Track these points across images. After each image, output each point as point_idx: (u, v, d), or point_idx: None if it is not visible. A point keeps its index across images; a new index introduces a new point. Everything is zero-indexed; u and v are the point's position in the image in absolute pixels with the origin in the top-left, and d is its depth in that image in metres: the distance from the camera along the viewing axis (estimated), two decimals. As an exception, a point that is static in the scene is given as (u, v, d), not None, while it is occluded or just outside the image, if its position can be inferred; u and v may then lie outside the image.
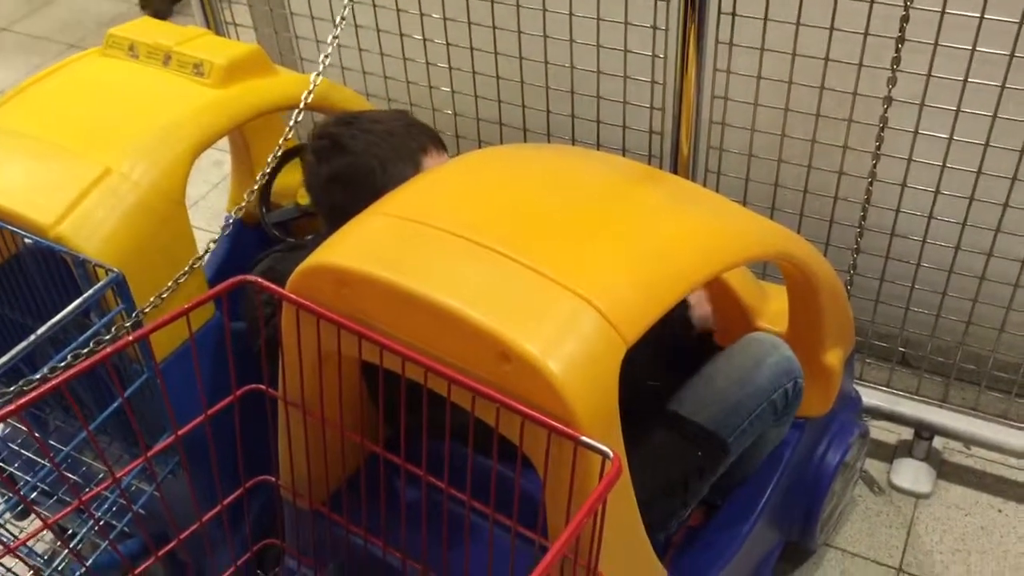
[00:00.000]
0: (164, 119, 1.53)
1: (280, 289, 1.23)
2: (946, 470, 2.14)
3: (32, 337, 1.26)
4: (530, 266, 1.15)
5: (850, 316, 1.71)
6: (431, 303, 1.12)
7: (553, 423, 1.04)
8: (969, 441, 2.10)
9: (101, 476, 1.59)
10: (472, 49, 2.17)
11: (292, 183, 2.00)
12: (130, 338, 1.12)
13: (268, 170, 1.68)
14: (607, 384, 1.10)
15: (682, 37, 1.82)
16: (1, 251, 1.61)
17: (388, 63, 2.32)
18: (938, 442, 2.15)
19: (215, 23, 2.36)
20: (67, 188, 1.42)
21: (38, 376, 1.28)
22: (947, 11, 1.67)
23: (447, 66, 2.23)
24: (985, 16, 1.65)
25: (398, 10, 2.20)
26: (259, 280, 1.23)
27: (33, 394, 1.05)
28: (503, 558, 1.20)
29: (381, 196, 1.49)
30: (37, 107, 1.59)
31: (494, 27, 2.11)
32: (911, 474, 2.11)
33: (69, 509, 1.19)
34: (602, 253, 1.21)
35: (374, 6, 2.24)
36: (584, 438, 1.02)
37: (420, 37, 2.22)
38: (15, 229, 1.41)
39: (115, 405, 1.43)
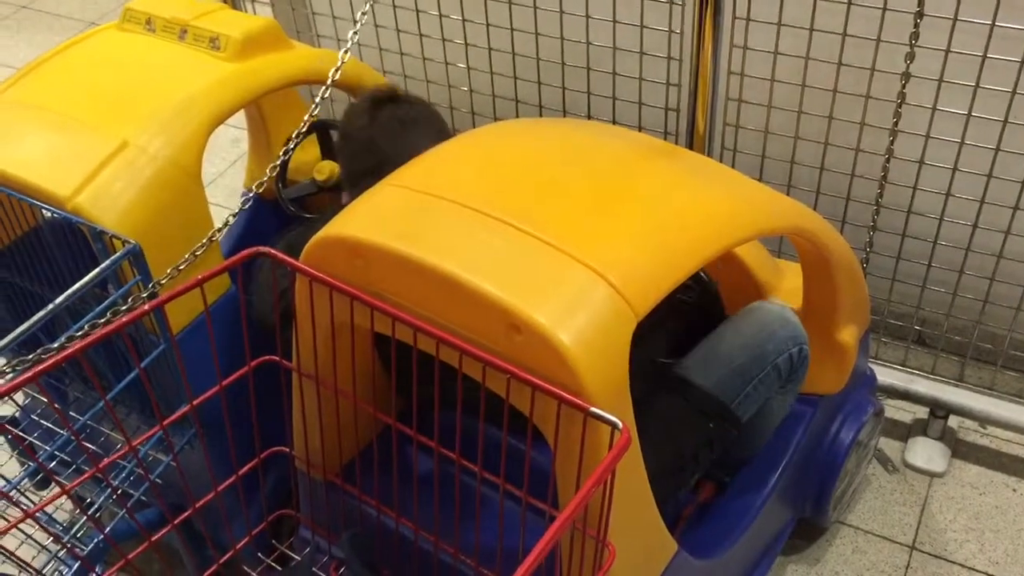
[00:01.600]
0: (180, 93, 1.54)
1: (294, 261, 1.25)
2: (961, 449, 2.13)
3: (50, 306, 1.27)
4: (542, 238, 1.16)
5: (865, 293, 1.71)
6: (443, 274, 1.13)
7: (563, 394, 1.04)
8: (984, 420, 2.09)
9: (119, 446, 1.61)
10: (488, 25, 2.16)
11: (309, 159, 2.00)
12: (146, 307, 1.13)
13: (292, 146, 1.68)
14: (617, 356, 1.10)
15: (699, 12, 1.81)
16: (21, 223, 1.63)
17: (404, 39, 2.32)
18: (953, 421, 2.14)
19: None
20: (85, 160, 1.43)
21: (56, 345, 1.29)
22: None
23: (463, 42, 2.23)
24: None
25: (414, -14, 2.21)
26: (272, 251, 1.24)
27: (51, 361, 1.07)
28: (514, 529, 1.21)
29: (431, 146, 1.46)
30: (55, 80, 1.61)
31: (510, 3, 2.11)
32: (926, 453, 2.11)
33: (87, 475, 1.21)
34: (614, 226, 1.21)
35: (389, -19, 2.24)
36: (593, 409, 1.02)
37: (436, 13, 2.22)
38: (33, 201, 1.43)
39: (132, 375, 1.45)
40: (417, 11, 2.24)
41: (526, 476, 1.13)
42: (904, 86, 1.76)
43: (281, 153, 1.67)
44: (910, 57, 1.72)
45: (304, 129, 1.66)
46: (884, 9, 1.74)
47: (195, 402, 1.24)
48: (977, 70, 1.74)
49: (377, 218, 1.23)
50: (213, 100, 1.56)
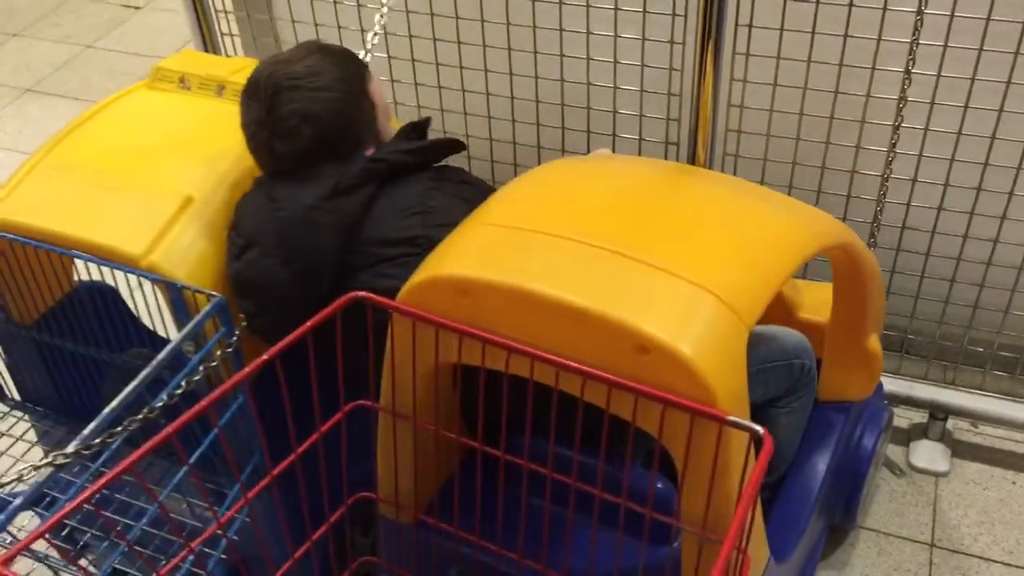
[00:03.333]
0: (236, 147, 1.54)
1: (394, 303, 1.27)
2: (959, 449, 2.25)
3: (149, 368, 1.25)
4: (644, 260, 1.21)
5: (884, 302, 1.80)
6: (562, 304, 1.16)
7: (697, 406, 1.09)
8: (984, 419, 2.20)
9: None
10: (486, 71, 2.22)
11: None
12: (265, 357, 1.14)
13: None
14: (738, 366, 1.16)
15: (700, 50, 1.90)
16: (62, 286, 1.60)
17: (399, 89, 2.35)
18: (948, 423, 2.26)
19: (210, 35, 2.33)
20: (152, 218, 1.43)
21: (154, 412, 1.27)
22: (956, 15, 1.79)
23: (460, 88, 2.28)
24: (992, 18, 1.77)
25: (410, 37, 2.25)
26: (371, 296, 1.26)
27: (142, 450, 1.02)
28: (609, 552, 1.24)
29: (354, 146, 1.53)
30: (97, 142, 1.59)
31: (509, 49, 2.17)
32: (928, 455, 2.22)
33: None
34: (704, 244, 1.28)
35: (385, 32, 2.27)
36: (732, 417, 1.07)
37: (432, 62, 2.26)
38: (103, 262, 1.41)
39: (183, 471, 1.41)
40: (413, 61, 2.28)
41: (650, 495, 1.17)
42: (901, 110, 1.88)
43: None
44: (907, 82, 1.85)
45: None
46: (879, 40, 1.87)
47: (249, 495, 1.20)
48: (966, 93, 1.88)
49: (481, 255, 1.26)
50: (266, 151, 1.57)
